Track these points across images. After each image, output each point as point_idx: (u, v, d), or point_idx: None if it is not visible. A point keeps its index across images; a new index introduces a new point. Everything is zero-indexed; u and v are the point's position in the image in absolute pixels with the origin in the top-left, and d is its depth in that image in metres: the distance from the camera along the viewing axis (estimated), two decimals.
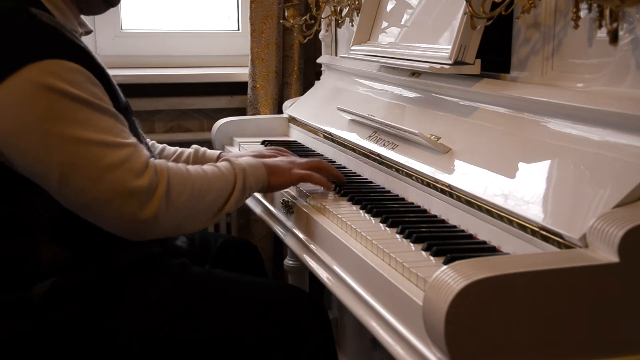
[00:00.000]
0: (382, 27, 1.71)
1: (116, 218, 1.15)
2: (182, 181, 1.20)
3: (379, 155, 1.47)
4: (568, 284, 0.81)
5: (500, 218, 1.04)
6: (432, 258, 1.02)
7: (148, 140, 1.50)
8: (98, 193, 1.12)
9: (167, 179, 1.18)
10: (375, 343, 1.90)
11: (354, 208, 1.30)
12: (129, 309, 1.23)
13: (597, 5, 0.90)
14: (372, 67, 1.76)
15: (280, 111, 2.35)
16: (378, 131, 1.54)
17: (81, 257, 1.21)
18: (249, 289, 1.34)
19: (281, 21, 2.27)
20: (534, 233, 0.97)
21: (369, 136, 1.56)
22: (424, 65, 1.39)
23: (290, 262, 2.12)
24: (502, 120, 1.22)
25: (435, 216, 1.23)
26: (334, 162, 1.70)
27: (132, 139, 1.19)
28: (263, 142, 1.97)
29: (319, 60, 2.22)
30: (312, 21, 1.93)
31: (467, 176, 1.17)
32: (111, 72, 1.28)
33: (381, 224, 1.19)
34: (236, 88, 2.47)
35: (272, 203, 1.59)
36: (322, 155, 1.80)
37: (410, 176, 1.33)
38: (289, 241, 1.43)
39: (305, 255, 1.31)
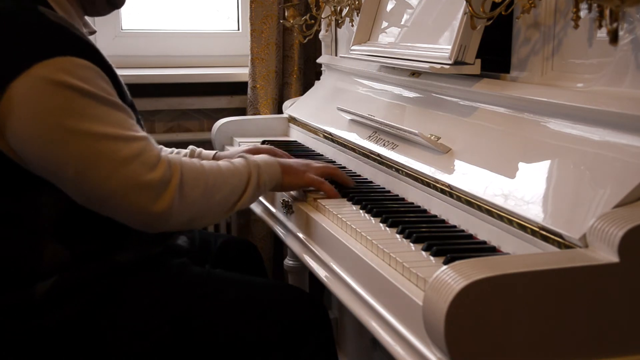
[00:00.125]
0: (382, 27, 1.71)
1: (130, 211, 1.16)
2: (195, 175, 1.21)
3: (379, 155, 1.47)
4: (568, 284, 0.81)
5: (500, 218, 1.04)
6: (432, 258, 1.02)
7: None
8: (114, 187, 1.13)
9: (180, 172, 1.18)
10: (375, 343, 1.90)
11: (354, 208, 1.30)
12: (129, 309, 1.23)
13: (597, 5, 0.90)
14: (372, 67, 1.76)
15: (280, 111, 2.35)
16: (378, 131, 1.54)
17: (81, 257, 1.21)
18: (249, 289, 1.34)
19: (281, 21, 2.27)
20: (534, 233, 0.97)
21: (369, 136, 1.56)
22: (424, 65, 1.39)
23: (290, 262, 2.12)
24: (502, 120, 1.22)
25: (435, 216, 1.23)
26: (334, 162, 1.70)
27: (144, 133, 1.20)
28: (263, 142, 1.97)
29: (319, 60, 2.22)
30: (312, 21, 1.93)
31: (467, 176, 1.17)
32: None
33: (381, 224, 1.19)
34: (236, 88, 2.47)
35: (272, 203, 1.59)
36: (322, 155, 1.80)
37: (410, 176, 1.33)
38: (289, 241, 1.43)
39: (305, 255, 1.31)
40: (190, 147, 1.64)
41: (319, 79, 2.21)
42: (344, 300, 1.11)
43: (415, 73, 1.53)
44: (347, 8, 1.79)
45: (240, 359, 1.26)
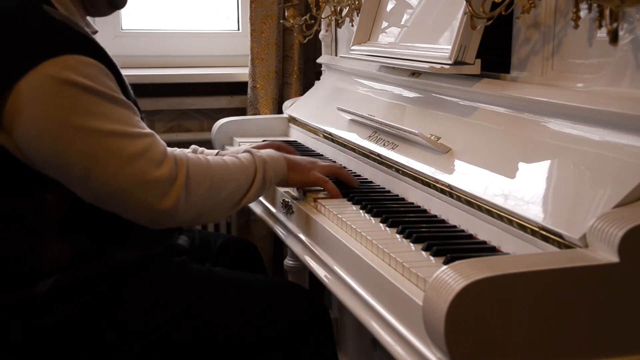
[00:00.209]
0: (382, 27, 1.71)
1: (137, 208, 1.16)
2: (201, 172, 1.21)
3: (379, 155, 1.47)
4: (568, 284, 0.80)
5: (500, 218, 1.04)
6: (432, 258, 1.02)
7: None
8: (121, 184, 1.14)
9: (186, 169, 1.19)
10: (375, 343, 1.90)
11: (354, 208, 1.30)
12: (129, 309, 1.23)
13: (597, 5, 0.90)
14: (372, 67, 1.76)
15: (280, 111, 2.35)
16: (378, 131, 1.54)
17: (82, 256, 1.21)
18: (249, 289, 1.34)
19: (281, 21, 2.27)
20: (534, 233, 0.97)
21: (369, 136, 1.56)
22: (424, 65, 1.39)
23: (290, 262, 2.12)
24: (502, 120, 1.22)
25: (435, 216, 1.23)
26: (334, 162, 1.70)
27: (149, 129, 1.20)
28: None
29: (319, 60, 2.22)
30: (312, 21, 1.93)
31: (467, 176, 1.17)
32: None
33: (381, 224, 1.19)
34: (236, 88, 2.47)
35: (272, 203, 1.59)
36: (322, 155, 1.80)
37: (410, 176, 1.33)
38: (289, 241, 1.43)
39: (305, 255, 1.31)
40: (192, 146, 1.64)
41: (319, 79, 2.21)
42: (344, 300, 1.11)
43: (415, 73, 1.53)
44: (347, 8, 1.79)
45: (240, 358, 1.26)
